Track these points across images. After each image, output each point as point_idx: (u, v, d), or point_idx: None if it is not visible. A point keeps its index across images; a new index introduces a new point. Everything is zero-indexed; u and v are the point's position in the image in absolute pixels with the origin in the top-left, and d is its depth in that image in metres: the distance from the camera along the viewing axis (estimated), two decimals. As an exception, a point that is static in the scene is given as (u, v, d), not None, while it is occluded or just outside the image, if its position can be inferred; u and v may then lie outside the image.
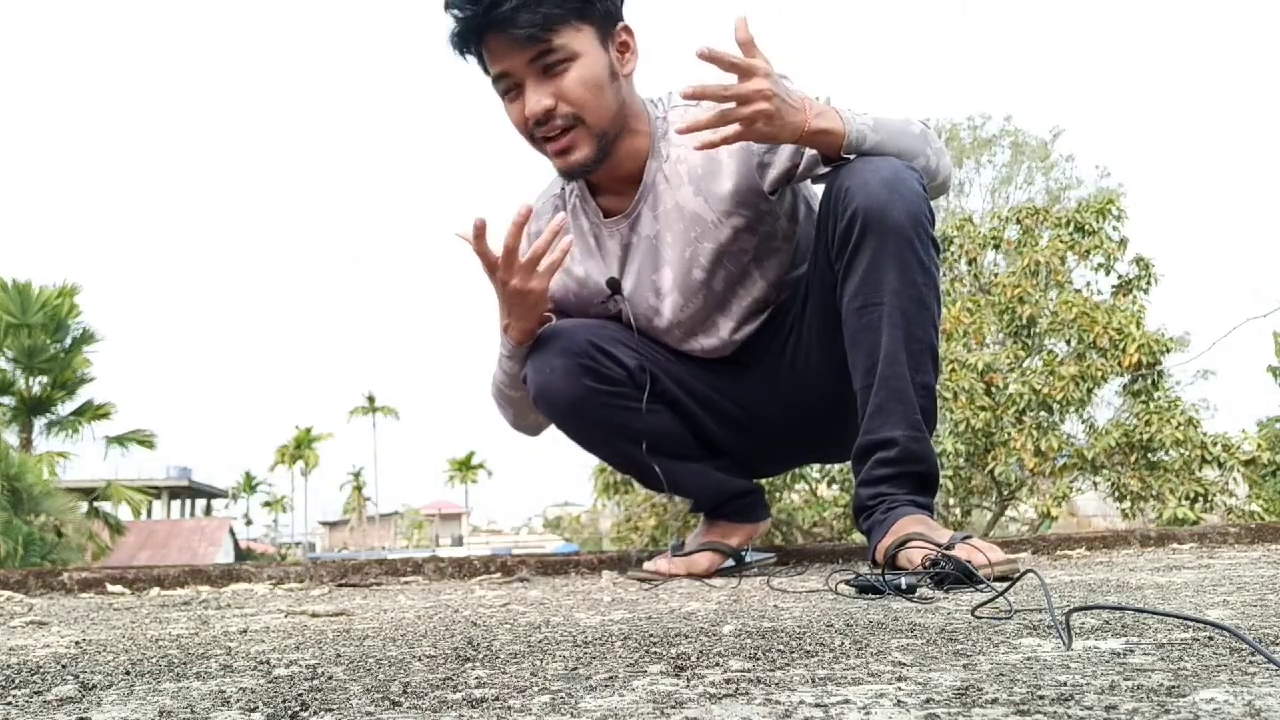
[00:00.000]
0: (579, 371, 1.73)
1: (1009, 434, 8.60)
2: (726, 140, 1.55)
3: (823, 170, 1.70)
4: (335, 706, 0.68)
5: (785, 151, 1.68)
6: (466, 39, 1.66)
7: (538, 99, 1.64)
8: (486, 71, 1.71)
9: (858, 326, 1.62)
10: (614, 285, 1.81)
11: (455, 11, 1.64)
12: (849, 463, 1.74)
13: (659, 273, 1.79)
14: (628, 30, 1.71)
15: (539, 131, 1.67)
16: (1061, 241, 9.33)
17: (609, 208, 1.81)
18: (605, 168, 1.73)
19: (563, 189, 1.87)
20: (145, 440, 19.52)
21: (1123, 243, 9.38)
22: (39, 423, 17.77)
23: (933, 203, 1.70)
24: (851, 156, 1.62)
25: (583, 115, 1.66)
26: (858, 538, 1.73)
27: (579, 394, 1.74)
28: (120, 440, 19.11)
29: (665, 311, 1.81)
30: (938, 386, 1.69)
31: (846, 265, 1.62)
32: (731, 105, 1.51)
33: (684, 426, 1.86)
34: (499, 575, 2.14)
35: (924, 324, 1.61)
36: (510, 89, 1.67)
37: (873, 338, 1.60)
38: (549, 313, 1.83)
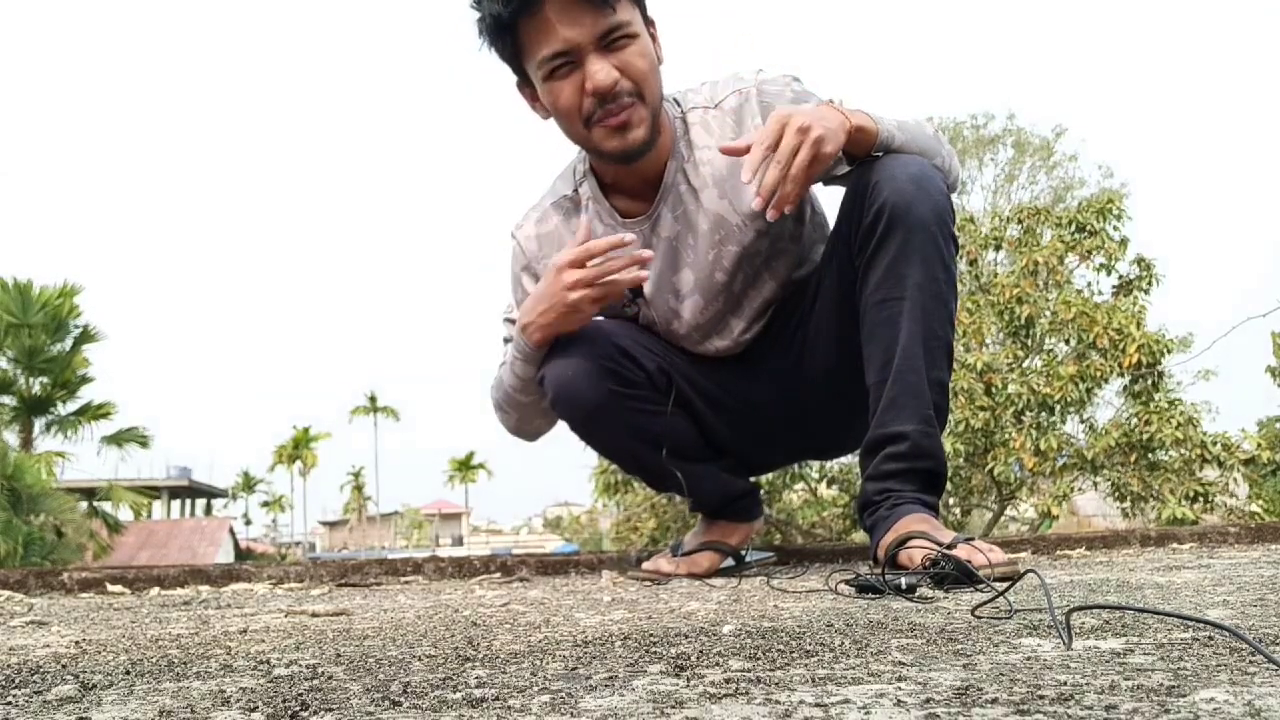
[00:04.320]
0: (603, 375, 1.70)
1: (1009, 434, 8.60)
2: (809, 181, 1.50)
3: (843, 170, 1.70)
4: (335, 706, 0.68)
5: None
6: (526, 5, 1.55)
7: (606, 70, 1.58)
8: (514, 61, 1.65)
9: (877, 320, 1.61)
10: (634, 289, 1.79)
11: None
12: (850, 459, 1.74)
13: (679, 275, 1.77)
14: (654, 25, 1.70)
15: (601, 110, 1.61)
16: (1062, 242, 9.33)
17: (623, 209, 1.78)
18: (626, 168, 1.71)
19: (575, 189, 1.82)
20: (140, 439, 19.45)
21: (1124, 243, 9.37)
22: (39, 423, 17.75)
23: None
24: (880, 154, 1.62)
25: (643, 91, 1.62)
26: (858, 538, 1.73)
27: (602, 398, 1.70)
28: (116, 439, 19.06)
29: (685, 314, 1.79)
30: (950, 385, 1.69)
31: (870, 259, 1.62)
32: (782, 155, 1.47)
33: (695, 428, 1.86)
34: (499, 575, 2.14)
35: (943, 321, 1.61)
36: (564, 65, 1.59)
37: (891, 331, 1.59)
38: None
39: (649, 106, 1.64)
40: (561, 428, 1.87)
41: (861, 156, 1.64)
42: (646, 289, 1.79)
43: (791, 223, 1.77)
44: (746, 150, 1.51)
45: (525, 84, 1.70)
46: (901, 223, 1.57)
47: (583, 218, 1.70)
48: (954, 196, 1.72)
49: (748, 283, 1.78)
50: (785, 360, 1.83)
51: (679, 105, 1.76)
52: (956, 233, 1.65)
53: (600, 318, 1.78)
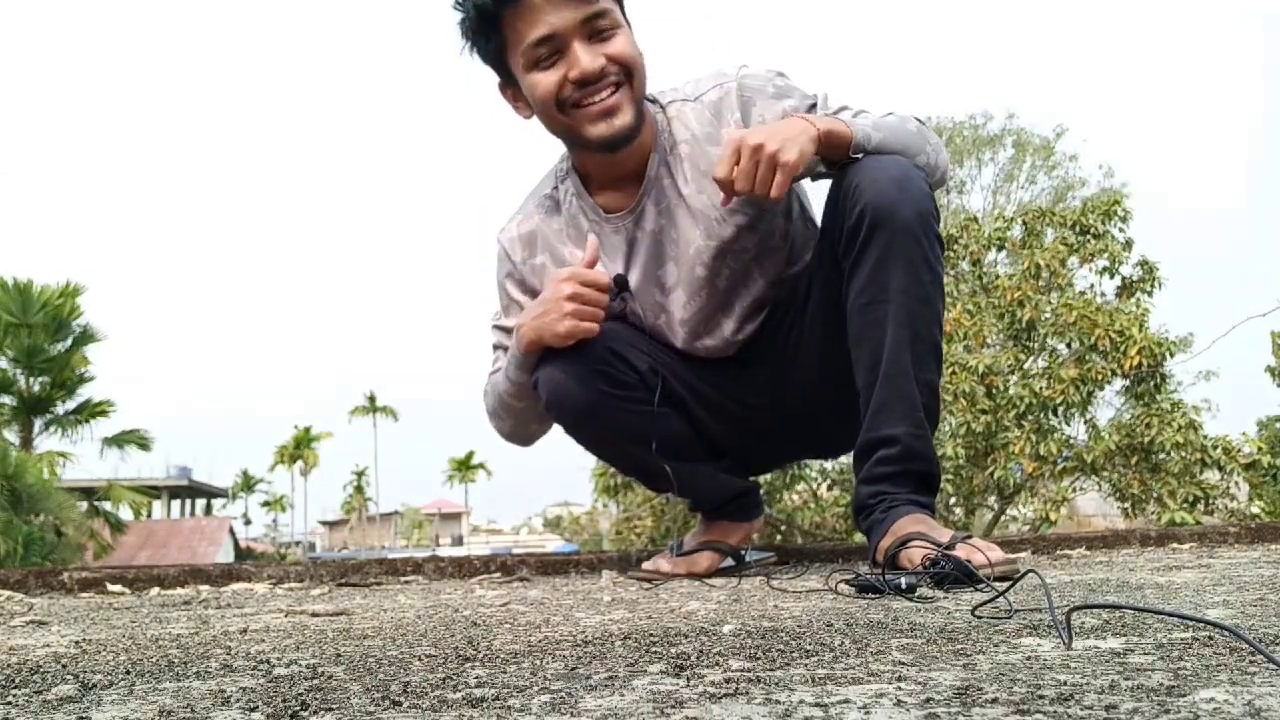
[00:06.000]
0: (594, 377, 1.70)
1: (1010, 436, 8.59)
2: (782, 189, 1.53)
3: (823, 170, 1.70)
4: (335, 706, 0.68)
5: None
6: None
7: (591, 56, 1.61)
8: (498, 58, 1.67)
9: (863, 323, 1.62)
10: (621, 282, 1.77)
11: None
12: (848, 460, 1.74)
13: (664, 269, 1.78)
14: None
15: (581, 94, 1.63)
16: (1064, 244, 9.32)
17: (607, 205, 1.79)
18: (610, 160, 1.72)
19: (555, 187, 1.84)
20: (141, 442, 19.46)
21: (1128, 244, 9.36)
22: (38, 422, 17.74)
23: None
24: (859, 156, 1.62)
25: (632, 75, 1.65)
26: (858, 538, 1.73)
27: (593, 400, 1.70)
28: (117, 441, 19.06)
29: (672, 308, 1.80)
30: (940, 386, 1.69)
31: (854, 262, 1.62)
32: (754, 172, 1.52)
33: (690, 428, 1.86)
34: (499, 575, 2.14)
35: (928, 322, 1.61)
36: (550, 54, 1.62)
37: (878, 335, 1.60)
38: None
39: (635, 93, 1.66)
40: (558, 430, 1.87)
41: (840, 159, 1.64)
42: (633, 282, 1.80)
43: (780, 219, 1.77)
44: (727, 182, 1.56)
45: (508, 84, 1.73)
46: (884, 226, 1.57)
47: (589, 239, 1.71)
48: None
49: (736, 279, 1.78)
50: (780, 360, 1.83)
51: (658, 102, 1.77)
52: (940, 232, 1.65)
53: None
